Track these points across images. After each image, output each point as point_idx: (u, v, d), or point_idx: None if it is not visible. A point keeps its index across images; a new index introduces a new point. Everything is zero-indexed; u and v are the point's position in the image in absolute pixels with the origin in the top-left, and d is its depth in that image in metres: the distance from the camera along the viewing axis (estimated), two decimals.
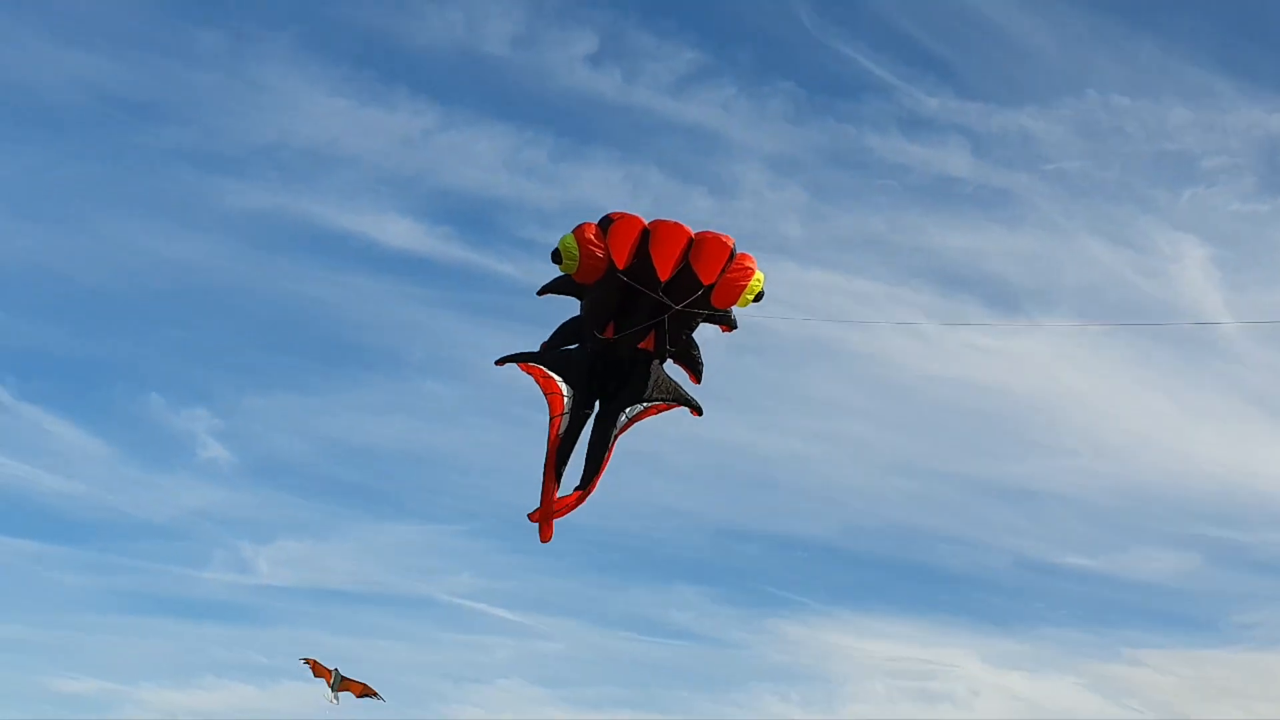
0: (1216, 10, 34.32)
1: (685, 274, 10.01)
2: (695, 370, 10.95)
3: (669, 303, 10.14)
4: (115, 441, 31.80)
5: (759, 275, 10.28)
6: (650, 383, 10.73)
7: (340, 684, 15.49)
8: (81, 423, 32.05)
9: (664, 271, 9.98)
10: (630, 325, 10.44)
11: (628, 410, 10.94)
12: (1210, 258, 32.46)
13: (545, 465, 10.88)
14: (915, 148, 33.02)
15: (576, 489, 11.03)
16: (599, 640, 31.44)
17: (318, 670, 15.74)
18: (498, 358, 10.75)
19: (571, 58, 33.06)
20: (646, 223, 10.05)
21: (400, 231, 32.18)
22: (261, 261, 33.65)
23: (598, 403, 10.94)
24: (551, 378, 10.79)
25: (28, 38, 33.13)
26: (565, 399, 10.76)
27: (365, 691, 15.61)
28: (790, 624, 32.07)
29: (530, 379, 10.89)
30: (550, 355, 10.79)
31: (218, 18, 33.26)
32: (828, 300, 33.20)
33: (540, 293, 10.58)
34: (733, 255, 10.10)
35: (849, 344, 33.72)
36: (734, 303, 10.33)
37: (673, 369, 11.00)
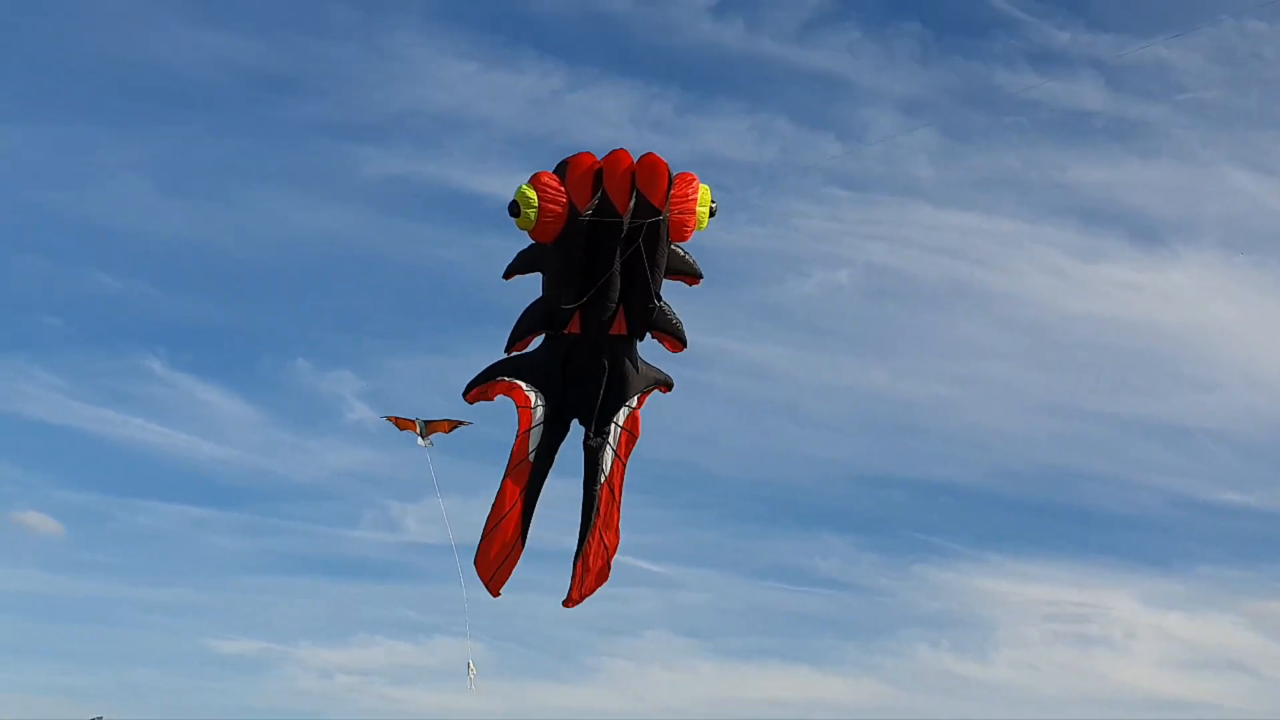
0: None
1: (641, 204, 9.36)
2: (678, 336, 9.99)
3: (632, 222, 9.33)
4: (265, 407, 32.73)
5: (703, 188, 9.53)
6: (631, 380, 9.93)
7: (427, 429, 15.48)
8: (232, 390, 33.06)
9: (621, 203, 9.31)
10: (598, 284, 9.62)
11: (618, 419, 10.04)
12: None
13: (498, 506, 10.03)
14: (1047, 83, 32.44)
15: (580, 558, 10.05)
16: (745, 591, 31.52)
17: (402, 424, 15.74)
18: (464, 390, 10.02)
19: (694, 10, 33.13)
20: (599, 159, 9.35)
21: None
22: (398, 227, 34.31)
23: (573, 421, 10.04)
24: (518, 386, 9.96)
25: (168, 22, 34.28)
26: (535, 411, 9.95)
27: (453, 425, 15.59)
28: (939, 570, 31.82)
29: (505, 405, 9.99)
30: (514, 363, 9.90)
31: None
32: (965, 241, 32.83)
33: (506, 275, 9.75)
34: (671, 176, 9.34)
35: (989, 284, 33.31)
36: (692, 226, 9.55)
37: (648, 349, 10.07)
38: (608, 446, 10.05)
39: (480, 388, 9.95)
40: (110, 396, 33.41)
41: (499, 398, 10.04)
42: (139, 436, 33.17)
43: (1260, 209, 32.52)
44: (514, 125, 34.07)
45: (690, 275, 9.83)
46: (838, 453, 32.77)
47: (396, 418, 15.37)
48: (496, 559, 10.00)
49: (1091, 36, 32.39)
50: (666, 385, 10.19)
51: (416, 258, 34.62)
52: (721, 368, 32.02)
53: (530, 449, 9.95)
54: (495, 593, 10.01)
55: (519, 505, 10.04)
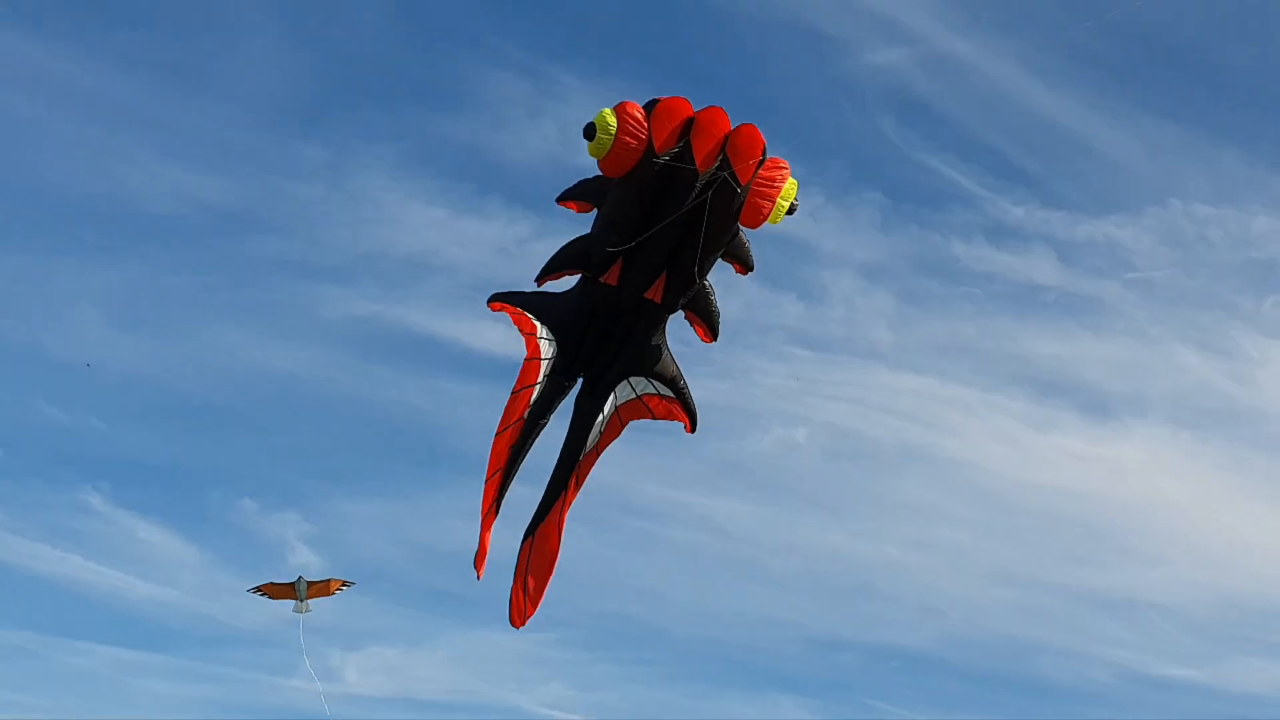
0: None
1: (721, 165, 8.69)
2: (711, 325, 9.43)
3: (708, 176, 8.59)
4: (206, 547, 32.00)
5: (792, 181, 8.91)
6: (647, 354, 9.38)
7: (307, 591, 14.31)
8: (173, 529, 32.30)
9: (703, 160, 8.56)
10: (651, 241, 8.92)
11: (618, 395, 9.50)
12: None
13: (490, 461, 9.42)
14: (1001, 255, 33.22)
15: (528, 538, 9.51)
16: None
17: (276, 592, 14.53)
18: (490, 298, 9.33)
19: None
20: (695, 110, 8.64)
21: (495, 338, 32.39)
22: (358, 368, 34.10)
23: (582, 378, 9.56)
24: (535, 337, 9.36)
25: (136, 152, 34.31)
26: (543, 364, 9.36)
27: (338, 586, 14.42)
28: None
29: (517, 334, 9.52)
30: (540, 299, 9.30)
31: (321, 134, 34.35)
32: (921, 406, 33.20)
33: (561, 199, 9.13)
34: (764, 156, 8.74)
35: (944, 450, 33.61)
36: (766, 215, 8.90)
37: (679, 351, 9.63)
38: (599, 418, 9.52)
39: (505, 305, 9.43)
40: (47, 531, 32.57)
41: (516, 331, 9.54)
42: (74, 574, 32.29)
43: (1206, 388, 33.28)
44: (479, 272, 34.24)
45: (743, 264, 9.31)
46: (791, 613, 32.54)
47: (270, 586, 14.29)
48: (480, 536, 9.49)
49: (1045, 213, 33.35)
50: (690, 422, 9.58)
51: (374, 400, 34.44)
52: (677, 521, 31.87)
53: (527, 405, 9.44)
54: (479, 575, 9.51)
55: (500, 474, 9.46)
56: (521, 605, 9.48)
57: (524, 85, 34.20)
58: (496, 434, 9.42)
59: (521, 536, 9.55)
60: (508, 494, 9.56)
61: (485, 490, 9.46)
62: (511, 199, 33.59)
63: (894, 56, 31.00)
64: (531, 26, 34.53)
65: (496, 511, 9.46)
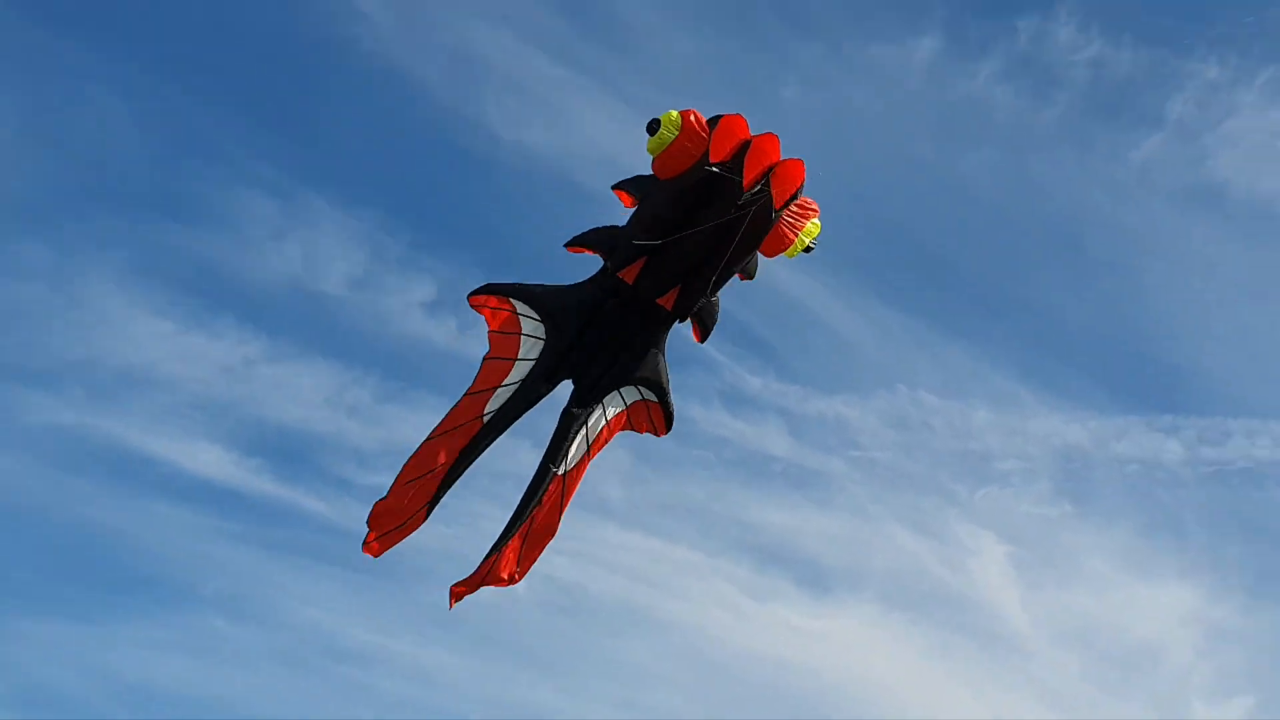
0: (1024, 326, 36.78)
1: (763, 189, 9.07)
2: (705, 330, 9.76)
3: (748, 196, 8.92)
4: None
5: (816, 223, 9.38)
6: (644, 362, 9.51)
7: None
8: None
9: (750, 180, 8.90)
10: (678, 246, 9.25)
11: (606, 406, 9.45)
12: (1007, 555, 33.80)
13: (423, 460, 9.01)
14: (736, 423, 33.80)
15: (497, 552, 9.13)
16: None
17: None
18: (470, 292, 9.27)
19: (408, 304, 33.28)
20: (751, 134, 9.04)
21: (209, 460, 31.02)
22: (55, 481, 31.90)
23: (573, 384, 9.47)
24: (519, 335, 9.32)
25: None
26: (518, 365, 9.25)
27: None
28: None
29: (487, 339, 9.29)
30: (536, 288, 9.38)
31: (46, 234, 32.60)
32: (648, 565, 33.15)
33: (615, 186, 9.49)
34: (798, 192, 9.18)
35: (665, 612, 33.54)
36: (787, 245, 9.31)
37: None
38: (583, 432, 9.29)
39: (488, 297, 9.21)
40: None
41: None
42: None
43: (919, 570, 34.35)
44: (200, 390, 32.79)
45: (746, 274, 9.60)
46: None
47: None
48: (392, 520, 8.90)
49: (781, 386, 34.19)
50: (663, 412, 9.54)
51: (70, 516, 32.18)
52: (384, 669, 30.62)
53: (486, 410, 9.07)
54: (375, 551, 8.89)
55: (444, 468, 8.94)
56: (461, 591, 9.19)
57: (271, 205, 33.38)
58: (431, 437, 9.06)
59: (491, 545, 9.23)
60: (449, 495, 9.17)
61: (417, 484, 9.03)
62: (244, 318, 32.41)
63: None
64: (286, 147, 33.89)
65: (428, 514, 9.03)
